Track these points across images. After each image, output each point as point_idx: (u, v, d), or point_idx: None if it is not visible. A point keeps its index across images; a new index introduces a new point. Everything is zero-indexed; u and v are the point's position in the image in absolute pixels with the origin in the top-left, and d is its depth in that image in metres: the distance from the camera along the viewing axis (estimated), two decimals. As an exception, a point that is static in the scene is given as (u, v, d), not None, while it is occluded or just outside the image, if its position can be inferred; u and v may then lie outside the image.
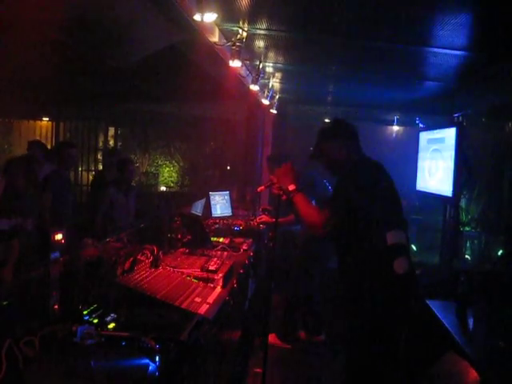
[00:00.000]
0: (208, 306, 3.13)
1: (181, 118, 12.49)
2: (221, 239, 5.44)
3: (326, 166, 3.64)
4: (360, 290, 3.33)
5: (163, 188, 13.99)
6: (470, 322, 4.04)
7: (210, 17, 3.58)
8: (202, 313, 2.97)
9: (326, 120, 10.96)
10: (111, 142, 13.63)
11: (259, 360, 3.91)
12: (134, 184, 7.55)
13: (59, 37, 5.71)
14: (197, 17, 3.58)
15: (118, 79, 8.41)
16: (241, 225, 6.28)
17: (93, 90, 9.40)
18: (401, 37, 4.96)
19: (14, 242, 3.82)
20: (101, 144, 13.15)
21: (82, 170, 12.11)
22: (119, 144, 13.98)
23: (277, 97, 8.44)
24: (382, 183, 3.35)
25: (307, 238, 5.83)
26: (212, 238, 5.37)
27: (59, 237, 2.81)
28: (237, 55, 4.60)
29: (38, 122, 12.95)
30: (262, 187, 3.93)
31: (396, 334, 3.40)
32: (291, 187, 3.44)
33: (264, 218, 6.41)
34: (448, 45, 4.99)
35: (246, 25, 4.55)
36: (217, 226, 6.27)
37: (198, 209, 6.61)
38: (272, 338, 5.79)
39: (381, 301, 3.26)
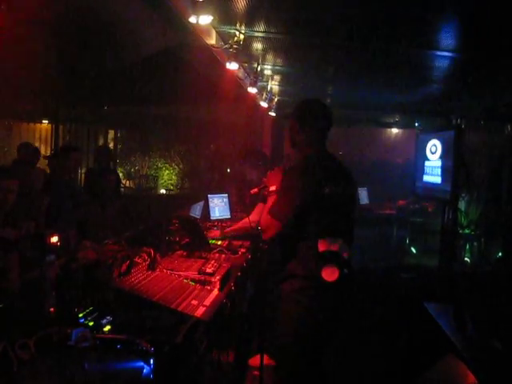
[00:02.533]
0: (205, 308, 3.12)
1: (180, 120, 12.52)
2: (219, 242, 5.42)
3: (289, 139, 3.58)
4: (284, 293, 3.39)
5: (163, 191, 14.00)
6: (468, 324, 4.03)
7: (205, 19, 3.58)
8: (199, 315, 2.97)
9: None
10: (111, 145, 13.64)
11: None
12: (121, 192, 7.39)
13: (58, 40, 5.73)
14: (192, 19, 3.58)
15: (117, 82, 8.42)
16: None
17: (93, 93, 9.41)
18: (399, 39, 4.96)
19: (15, 254, 3.81)
20: (101, 146, 13.16)
21: (81, 173, 12.10)
22: (119, 147, 14.01)
23: (275, 99, 8.44)
24: (327, 188, 3.26)
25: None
26: (210, 241, 5.36)
27: (55, 239, 2.81)
28: (234, 57, 4.60)
29: (38, 124, 12.97)
30: (256, 189, 3.95)
31: (318, 342, 3.39)
32: (272, 188, 3.46)
33: None
34: (446, 47, 4.99)
35: (243, 27, 4.54)
36: (215, 228, 6.24)
37: (196, 211, 6.59)
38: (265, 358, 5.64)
39: (306, 304, 3.28)
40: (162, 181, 14.34)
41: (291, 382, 3.45)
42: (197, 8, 3.48)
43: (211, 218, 6.83)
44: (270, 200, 3.43)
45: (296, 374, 3.39)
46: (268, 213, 3.33)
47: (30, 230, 4.16)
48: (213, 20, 3.80)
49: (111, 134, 13.66)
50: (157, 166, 14.37)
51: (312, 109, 3.50)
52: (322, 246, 3.18)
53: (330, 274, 3.16)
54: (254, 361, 5.20)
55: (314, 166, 3.33)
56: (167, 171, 14.35)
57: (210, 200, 6.92)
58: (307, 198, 3.22)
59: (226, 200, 7.18)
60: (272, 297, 5.06)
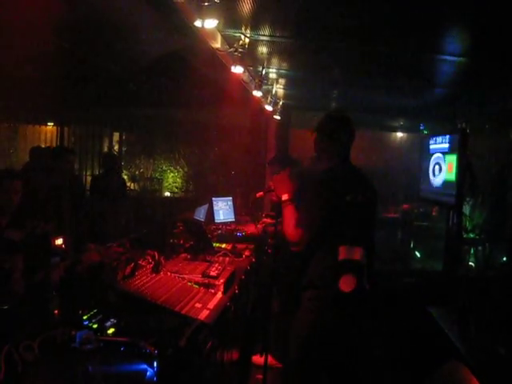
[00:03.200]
0: (208, 311, 3.12)
1: (185, 123, 12.51)
2: (223, 245, 5.43)
3: (315, 151, 3.64)
4: (304, 300, 3.40)
5: (167, 193, 14.00)
6: (472, 329, 4.03)
7: (210, 23, 3.58)
8: (202, 318, 2.97)
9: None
10: (116, 147, 13.66)
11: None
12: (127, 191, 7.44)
13: (64, 43, 5.75)
14: (197, 23, 3.58)
15: (123, 85, 8.45)
16: (243, 231, 6.26)
17: (98, 95, 9.43)
18: (404, 43, 4.96)
19: (19, 255, 3.82)
20: (106, 149, 13.18)
21: (86, 175, 12.12)
22: (124, 149, 14.03)
23: (280, 103, 8.44)
24: (348, 197, 3.32)
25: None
26: (214, 244, 5.36)
27: (60, 241, 2.82)
28: (239, 61, 4.61)
29: (43, 126, 12.99)
30: (261, 193, 3.97)
31: (334, 351, 3.38)
32: (284, 197, 3.46)
33: (266, 221, 6.34)
34: (451, 51, 5.00)
35: (248, 31, 4.55)
36: (219, 231, 6.25)
37: (200, 214, 6.60)
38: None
39: (320, 313, 3.30)
40: (167, 183, 14.33)
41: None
42: (202, 12, 3.48)
43: (215, 221, 6.84)
44: (288, 210, 3.41)
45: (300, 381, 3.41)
46: (297, 226, 3.31)
47: (44, 230, 4.17)
48: (218, 24, 3.80)
49: (116, 136, 13.66)
50: (161, 168, 14.37)
51: (334, 123, 3.56)
52: (342, 254, 3.21)
53: (347, 284, 3.18)
54: (257, 359, 5.21)
55: (336, 178, 3.40)
56: (172, 174, 14.35)
57: (214, 203, 6.94)
58: (331, 208, 3.26)
59: (230, 203, 7.20)
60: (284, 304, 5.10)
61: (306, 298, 3.39)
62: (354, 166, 3.56)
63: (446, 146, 8.17)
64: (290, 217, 3.38)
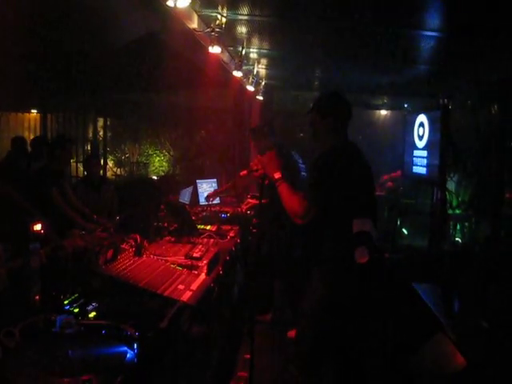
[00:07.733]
0: (191, 293, 3.13)
1: (170, 107, 12.45)
2: (208, 227, 5.42)
3: (311, 132, 3.63)
4: (319, 274, 3.42)
5: (154, 177, 13.98)
6: (455, 304, 4.07)
7: (183, 2, 3.54)
8: (185, 300, 2.98)
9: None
10: (101, 133, 13.58)
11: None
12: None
13: (42, 28, 5.69)
14: (170, 2, 3.54)
15: (104, 69, 8.38)
16: (228, 212, 6.25)
17: (80, 81, 9.34)
18: (385, 20, 4.94)
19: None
20: (90, 135, 13.10)
21: (70, 162, 12.03)
22: (109, 135, 13.95)
23: (262, 83, 8.41)
24: (355, 171, 3.37)
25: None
26: (199, 226, 5.35)
27: (38, 227, 2.81)
28: (216, 41, 4.58)
29: (26, 114, 12.89)
30: (245, 172, 3.95)
31: (351, 323, 3.42)
32: (277, 175, 3.44)
33: (251, 202, 6.34)
34: (431, 27, 4.99)
35: (225, 10, 4.51)
36: (204, 213, 6.24)
37: (185, 197, 6.59)
38: None
39: (337, 286, 3.32)
40: (153, 168, 14.30)
41: (309, 359, 3.49)
42: (174, -10, 3.45)
43: (200, 203, 6.84)
44: (284, 187, 3.39)
45: (313, 354, 3.44)
46: (304, 199, 3.30)
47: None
48: (194, 3, 3.77)
49: (100, 121, 13.57)
50: (147, 153, 14.33)
51: (331, 100, 3.58)
52: (355, 227, 3.25)
53: (362, 256, 3.22)
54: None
55: (344, 154, 3.41)
56: (158, 158, 14.32)
57: (198, 185, 6.93)
58: (344, 184, 3.28)
59: (214, 185, 7.19)
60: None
61: (320, 272, 3.42)
62: (352, 142, 3.57)
63: (429, 122, 8.23)
64: (289, 192, 3.37)
